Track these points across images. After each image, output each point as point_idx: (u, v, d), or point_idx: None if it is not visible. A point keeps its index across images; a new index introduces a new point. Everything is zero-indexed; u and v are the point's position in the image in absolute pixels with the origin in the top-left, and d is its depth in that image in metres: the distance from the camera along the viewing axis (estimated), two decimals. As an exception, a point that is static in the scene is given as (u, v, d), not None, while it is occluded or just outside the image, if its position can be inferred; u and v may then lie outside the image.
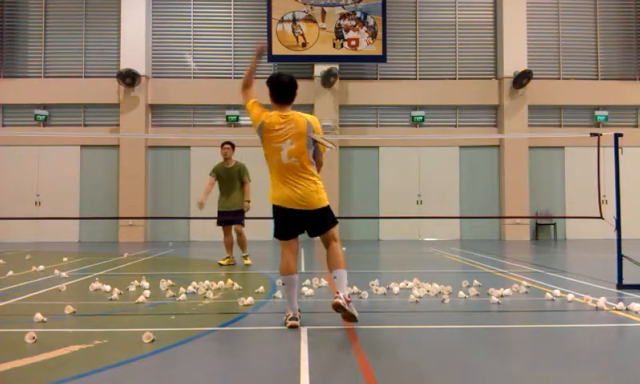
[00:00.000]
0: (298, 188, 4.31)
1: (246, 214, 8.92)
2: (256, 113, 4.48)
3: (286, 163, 4.32)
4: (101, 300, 5.75)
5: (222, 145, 9.03)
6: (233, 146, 9.05)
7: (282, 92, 4.45)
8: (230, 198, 8.88)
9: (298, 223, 4.41)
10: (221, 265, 8.80)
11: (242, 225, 9.03)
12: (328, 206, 4.45)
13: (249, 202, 8.92)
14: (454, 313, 5.15)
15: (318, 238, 4.51)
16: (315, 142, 4.39)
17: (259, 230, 16.18)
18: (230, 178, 8.89)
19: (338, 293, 4.17)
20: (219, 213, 8.95)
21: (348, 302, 4.16)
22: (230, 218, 8.90)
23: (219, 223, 8.99)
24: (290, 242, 4.46)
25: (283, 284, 4.48)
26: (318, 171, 4.47)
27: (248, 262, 9.04)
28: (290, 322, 4.29)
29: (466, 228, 17.02)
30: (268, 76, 4.67)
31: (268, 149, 4.40)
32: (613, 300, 5.44)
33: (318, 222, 4.42)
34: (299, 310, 4.48)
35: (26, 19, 17.16)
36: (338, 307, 4.12)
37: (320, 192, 4.38)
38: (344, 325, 4.37)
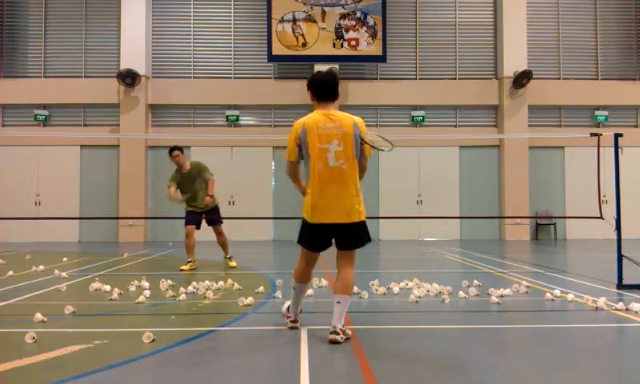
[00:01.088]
0: (342, 199, 3.98)
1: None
2: (290, 135, 4.10)
3: (332, 167, 3.97)
4: (101, 300, 5.75)
5: (170, 152, 8.54)
6: (181, 150, 8.61)
7: (325, 88, 4.14)
8: (197, 200, 8.51)
9: (330, 237, 4.08)
10: (182, 270, 8.19)
11: (221, 223, 8.77)
12: (364, 221, 4.12)
13: (211, 196, 8.47)
14: (453, 313, 5.15)
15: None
16: (362, 143, 4.05)
17: (259, 229, 16.20)
18: (192, 181, 8.49)
19: (334, 326, 3.88)
20: (189, 212, 8.59)
21: (343, 332, 3.89)
22: (209, 217, 8.62)
23: (188, 222, 8.52)
24: (314, 255, 4.19)
25: (294, 288, 4.28)
26: (361, 178, 4.14)
27: (233, 264, 8.75)
28: (290, 324, 4.29)
29: (466, 228, 17.02)
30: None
31: (312, 150, 3.99)
32: (613, 300, 5.44)
33: (353, 236, 4.07)
34: (300, 310, 4.43)
35: (26, 19, 17.16)
36: (334, 343, 3.85)
37: (361, 204, 4.08)
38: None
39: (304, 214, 4.11)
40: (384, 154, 16.78)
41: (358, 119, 4.12)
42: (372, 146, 4.08)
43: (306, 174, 4.09)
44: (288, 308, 4.42)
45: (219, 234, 8.80)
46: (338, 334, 3.85)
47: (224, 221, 8.97)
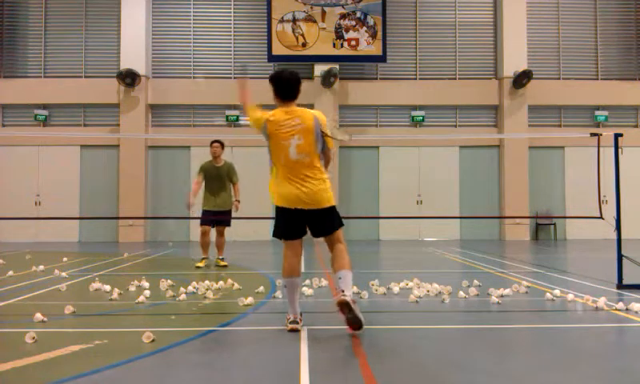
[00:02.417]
0: (306, 186, 4.17)
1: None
2: (258, 113, 4.35)
3: (294, 160, 4.18)
4: (101, 300, 5.75)
5: (212, 143, 8.83)
6: (222, 145, 8.86)
7: (286, 89, 4.32)
8: (219, 198, 8.66)
9: (303, 223, 4.26)
10: (198, 267, 8.51)
11: (229, 226, 8.89)
12: (335, 206, 4.32)
13: (239, 202, 8.73)
14: (453, 313, 5.15)
15: (320, 238, 4.37)
16: (324, 136, 4.26)
17: (259, 229, 16.19)
18: (219, 178, 8.68)
19: (343, 290, 3.97)
20: (205, 212, 8.69)
21: (354, 302, 3.96)
22: (219, 218, 8.69)
23: (204, 222, 8.69)
24: (294, 243, 4.28)
25: (285, 286, 4.33)
26: (326, 167, 4.35)
27: (225, 263, 8.78)
28: (290, 326, 4.19)
29: (466, 228, 17.02)
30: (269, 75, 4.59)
31: (275, 146, 4.23)
32: (613, 300, 5.43)
33: (325, 222, 4.27)
34: (301, 314, 4.34)
35: (26, 19, 17.16)
36: (343, 305, 3.91)
37: (328, 190, 4.25)
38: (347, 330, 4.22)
39: (274, 198, 4.29)
40: (385, 151, 16.88)
41: (318, 113, 4.32)
42: (333, 138, 4.28)
43: (270, 160, 4.32)
44: (288, 311, 4.35)
45: (221, 235, 8.85)
46: (348, 297, 3.92)
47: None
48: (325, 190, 4.22)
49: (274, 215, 4.44)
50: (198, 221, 8.92)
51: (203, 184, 8.72)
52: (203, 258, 8.72)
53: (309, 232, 4.40)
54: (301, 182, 4.17)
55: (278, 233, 4.34)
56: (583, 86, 17.23)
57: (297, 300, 4.30)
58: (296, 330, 4.18)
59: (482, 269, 8.65)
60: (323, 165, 4.33)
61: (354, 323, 3.97)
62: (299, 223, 4.25)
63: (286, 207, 4.23)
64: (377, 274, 7.57)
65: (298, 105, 4.45)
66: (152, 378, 3.25)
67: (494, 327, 4.64)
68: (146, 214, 15.95)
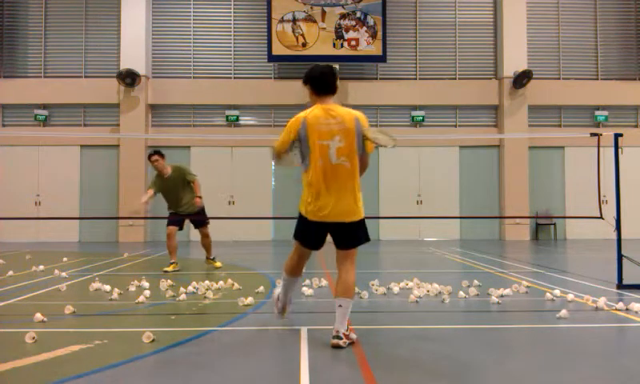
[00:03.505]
0: (342, 198, 3.86)
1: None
2: (287, 128, 3.98)
3: (334, 164, 3.84)
4: (101, 300, 5.75)
5: (149, 157, 8.24)
6: (162, 155, 8.23)
7: (325, 81, 3.99)
8: (184, 206, 8.24)
9: (326, 233, 4.00)
10: (166, 272, 7.91)
11: (208, 224, 8.49)
12: (364, 219, 4.02)
13: (200, 197, 8.21)
14: (454, 313, 5.15)
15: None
16: (365, 140, 3.92)
17: (259, 229, 16.19)
18: (174, 187, 8.20)
19: (337, 331, 3.76)
20: (172, 213, 8.33)
21: (346, 336, 3.78)
22: (194, 220, 8.36)
23: (171, 223, 8.22)
24: (306, 251, 4.12)
25: (283, 280, 4.26)
26: (361, 173, 4.02)
27: (218, 264, 8.53)
28: (277, 312, 4.38)
29: (466, 228, 17.01)
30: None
31: (313, 146, 3.86)
32: (613, 300, 5.44)
33: (351, 235, 3.96)
34: (290, 300, 4.41)
35: (25, 19, 17.16)
36: (337, 347, 3.75)
37: (360, 202, 3.97)
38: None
39: (301, 209, 3.99)
40: (385, 151, 16.88)
41: (359, 114, 3.98)
42: (375, 143, 3.94)
43: (306, 168, 3.95)
44: (279, 296, 4.41)
45: (205, 235, 8.48)
46: (341, 338, 3.74)
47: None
48: (359, 200, 3.95)
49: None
50: (202, 219, 8.63)
51: (165, 199, 8.31)
52: (172, 263, 8.14)
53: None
54: (338, 192, 3.85)
55: (298, 236, 4.11)
56: (583, 86, 17.23)
57: (290, 293, 4.36)
58: (283, 317, 4.39)
59: (482, 269, 8.65)
60: (359, 168, 3.99)
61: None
62: (323, 235, 4.01)
63: (312, 220, 3.94)
64: (377, 274, 7.58)
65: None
66: (152, 378, 3.25)
67: (493, 327, 4.64)
68: (146, 214, 15.92)
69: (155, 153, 8.25)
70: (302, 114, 3.97)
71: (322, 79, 4.01)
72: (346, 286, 3.88)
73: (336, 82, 4.05)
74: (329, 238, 4.07)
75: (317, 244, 4.07)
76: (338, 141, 3.85)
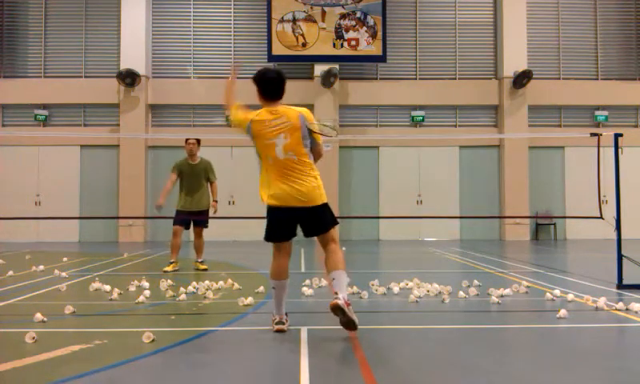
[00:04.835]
0: (297, 184, 4.06)
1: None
2: (241, 114, 4.26)
3: (282, 159, 4.08)
4: (101, 300, 5.75)
5: (187, 140, 8.30)
6: (199, 142, 8.38)
7: (271, 88, 4.24)
8: (195, 198, 8.20)
9: (294, 223, 4.14)
10: (166, 272, 7.82)
11: (206, 227, 8.47)
12: (327, 204, 4.21)
13: (217, 202, 8.31)
14: (454, 313, 5.15)
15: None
16: (311, 132, 4.16)
17: (259, 229, 16.18)
18: (196, 176, 8.20)
19: (336, 293, 3.89)
20: (178, 212, 8.23)
21: (347, 304, 3.86)
22: (196, 218, 8.26)
23: (178, 222, 8.17)
24: (284, 245, 4.20)
25: (273, 288, 4.23)
26: (315, 161, 4.24)
27: (205, 267, 8.35)
28: (277, 327, 4.15)
29: (466, 228, 17.01)
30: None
31: (261, 146, 4.15)
32: (613, 300, 5.44)
33: (318, 220, 4.15)
34: (286, 314, 4.26)
35: (26, 19, 17.17)
36: (336, 309, 3.82)
37: (320, 188, 4.15)
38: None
39: (264, 198, 4.19)
40: (385, 151, 16.89)
41: (304, 110, 4.21)
42: (320, 134, 4.19)
43: (258, 161, 4.24)
44: (273, 311, 4.33)
45: (199, 236, 8.40)
46: (340, 300, 3.82)
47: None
48: (317, 186, 4.13)
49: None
50: (204, 220, 8.51)
51: (180, 184, 8.28)
52: (172, 262, 8.07)
53: (300, 233, 4.26)
54: (292, 180, 4.07)
55: (269, 235, 4.23)
56: (583, 86, 17.23)
57: (284, 302, 4.26)
58: (282, 331, 4.13)
59: (482, 269, 8.65)
60: (313, 160, 4.22)
61: (348, 326, 3.90)
62: (290, 223, 4.14)
63: (277, 206, 4.11)
64: (377, 274, 7.58)
65: (299, 105, 4.42)
66: (152, 378, 3.25)
67: (493, 327, 4.64)
68: (145, 214, 15.95)
69: (196, 139, 8.35)
70: (250, 115, 4.20)
71: (271, 84, 4.25)
72: (334, 260, 4.06)
73: (283, 88, 4.29)
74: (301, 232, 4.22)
75: (287, 233, 4.17)
76: (284, 138, 4.08)
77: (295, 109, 4.21)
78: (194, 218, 8.35)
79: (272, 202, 4.13)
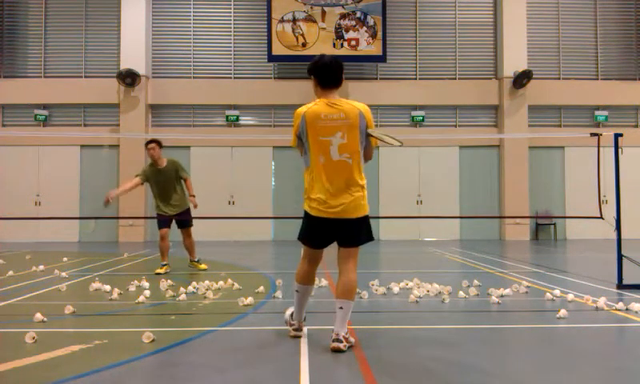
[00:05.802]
0: (347, 195, 3.74)
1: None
2: (293, 123, 3.88)
3: (336, 161, 3.72)
4: (101, 300, 5.75)
5: (147, 145, 8.02)
6: (160, 144, 8.07)
7: (328, 73, 3.81)
8: (172, 201, 8.03)
9: (334, 232, 3.83)
10: (158, 274, 7.67)
11: (191, 225, 8.31)
12: (367, 216, 3.87)
13: (194, 196, 8.09)
14: (453, 313, 5.15)
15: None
16: (369, 136, 3.80)
17: (259, 229, 16.18)
18: (167, 180, 7.97)
19: (337, 334, 3.65)
20: (160, 215, 8.08)
21: (346, 339, 3.69)
22: (179, 220, 8.15)
23: (163, 225, 8.04)
24: (317, 251, 3.95)
25: (297, 291, 4.01)
26: (365, 162, 3.91)
27: (203, 266, 8.35)
28: (294, 332, 4.05)
29: (466, 228, 17.02)
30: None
31: (314, 143, 3.74)
32: (613, 300, 5.44)
33: (355, 232, 3.81)
34: (305, 318, 4.17)
35: (25, 19, 17.16)
36: (337, 351, 3.64)
37: (365, 198, 3.84)
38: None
39: (305, 206, 3.88)
40: (385, 151, 16.87)
41: (364, 108, 3.82)
42: (380, 140, 3.84)
43: (307, 163, 3.86)
44: (292, 314, 4.16)
45: (188, 236, 8.29)
46: (341, 341, 3.63)
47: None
48: (362, 197, 3.82)
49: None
50: (197, 221, 8.42)
51: (152, 191, 8.11)
52: (164, 265, 7.95)
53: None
54: (342, 191, 3.74)
55: (302, 236, 3.97)
56: (583, 86, 17.23)
57: (305, 307, 4.08)
58: (299, 337, 4.05)
59: (482, 269, 8.65)
60: (363, 161, 3.88)
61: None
62: (328, 233, 3.84)
63: (317, 216, 3.81)
64: (377, 274, 7.58)
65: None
66: (152, 378, 3.25)
67: (494, 327, 4.64)
68: (145, 214, 15.95)
69: (153, 141, 8.02)
70: (302, 109, 3.83)
71: (328, 70, 3.82)
72: (348, 288, 3.74)
73: (342, 74, 3.89)
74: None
75: (323, 242, 3.90)
76: (340, 137, 3.72)
77: (355, 104, 3.82)
78: (177, 220, 8.20)
79: (316, 214, 3.80)
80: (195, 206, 8.18)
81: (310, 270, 3.99)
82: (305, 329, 4.20)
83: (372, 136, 3.80)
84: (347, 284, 3.75)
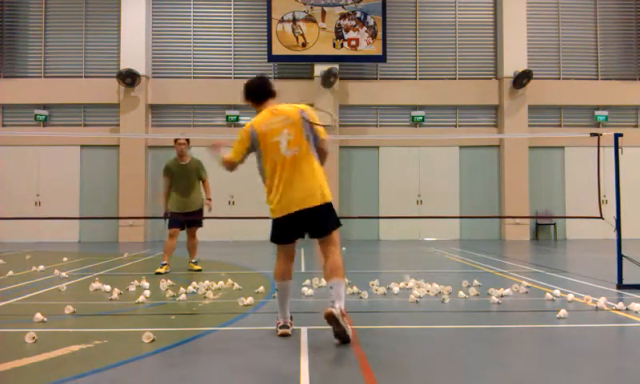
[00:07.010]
0: (302, 184, 3.99)
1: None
2: (239, 139, 4.22)
3: (289, 157, 4.01)
4: (101, 300, 5.75)
5: (176, 140, 8.21)
6: (188, 142, 8.31)
7: (256, 91, 4.27)
8: (188, 198, 8.11)
9: (300, 224, 4.05)
10: (158, 274, 7.65)
11: (201, 226, 8.40)
12: (331, 203, 4.11)
13: (210, 199, 8.24)
14: (453, 313, 5.15)
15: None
16: (313, 126, 4.10)
17: (259, 229, 16.18)
18: (187, 176, 8.12)
19: (332, 301, 3.78)
20: (173, 214, 8.10)
21: (343, 314, 3.75)
22: (190, 218, 8.16)
23: (174, 224, 8.08)
24: (288, 247, 4.17)
25: (276, 290, 4.20)
26: (322, 162, 4.17)
27: (199, 267, 8.28)
28: (281, 330, 4.07)
29: (466, 228, 17.01)
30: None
31: (265, 149, 4.08)
32: (613, 300, 5.44)
33: (322, 220, 4.04)
34: (291, 317, 4.22)
35: (26, 19, 17.17)
36: (330, 318, 3.70)
37: (325, 187, 4.07)
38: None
39: (270, 212, 4.14)
40: (385, 151, 16.88)
41: (303, 106, 4.19)
42: (323, 126, 4.15)
43: (262, 171, 4.21)
44: (277, 315, 4.22)
45: (193, 236, 8.32)
46: (336, 308, 3.71)
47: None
48: (320, 186, 4.04)
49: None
50: (199, 219, 8.46)
51: (171, 185, 8.18)
52: (164, 264, 7.92)
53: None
54: (298, 183, 3.99)
55: (273, 237, 4.19)
56: (583, 86, 17.23)
57: (288, 304, 4.17)
58: (287, 335, 4.06)
59: (482, 269, 8.65)
60: (318, 160, 4.14)
61: (341, 337, 3.79)
62: (296, 225, 4.06)
63: (282, 215, 4.05)
64: (377, 274, 7.57)
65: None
66: (152, 378, 3.25)
67: (494, 327, 4.64)
68: (145, 214, 15.95)
69: (184, 138, 8.27)
70: (248, 123, 4.19)
71: (257, 89, 4.27)
72: (334, 266, 3.94)
73: (271, 87, 4.30)
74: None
75: (292, 236, 4.15)
76: (287, 134, 4.05)
77: (295, 105, 4.21)
78: (190, 219, 8.24)
79: (277, 214, 4.08)
80: (210, 209, 8.29)
81: (285, 267, 4.18)
82: (305, 329, 4.21)
83: (315, 123, 4.11)
84: (332, 264, 3.96)
